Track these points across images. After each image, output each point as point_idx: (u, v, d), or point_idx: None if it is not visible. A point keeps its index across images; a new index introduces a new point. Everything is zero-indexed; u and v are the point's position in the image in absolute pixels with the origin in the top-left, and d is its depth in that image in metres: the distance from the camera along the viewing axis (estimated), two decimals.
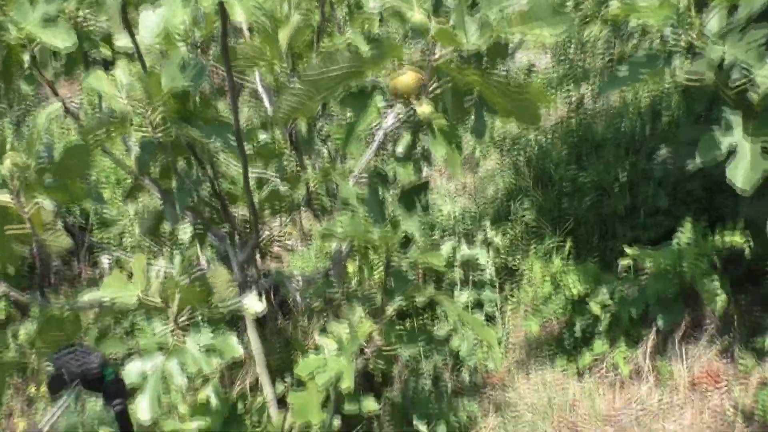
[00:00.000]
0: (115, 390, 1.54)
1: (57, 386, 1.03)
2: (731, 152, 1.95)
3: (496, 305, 3.33)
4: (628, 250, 2.57)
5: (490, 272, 3.28)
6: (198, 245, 2.60)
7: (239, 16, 1.39)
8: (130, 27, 1.99)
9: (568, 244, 3.53)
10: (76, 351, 1.05)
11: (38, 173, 1.68)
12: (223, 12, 1.56)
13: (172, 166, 2.17)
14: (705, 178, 3.43)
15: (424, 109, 1.61)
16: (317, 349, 1.97)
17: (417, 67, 1.69)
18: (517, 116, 1.78)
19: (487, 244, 3.45)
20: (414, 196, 1.85)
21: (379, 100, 1.74)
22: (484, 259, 3.23)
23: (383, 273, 1.91)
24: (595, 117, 5.02)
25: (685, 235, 2.57)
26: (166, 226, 3.00)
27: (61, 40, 1.84)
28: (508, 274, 3.71)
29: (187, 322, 1.76)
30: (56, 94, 2.01)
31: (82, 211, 5.76)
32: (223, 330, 1.77)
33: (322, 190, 2.57)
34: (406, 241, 1.94)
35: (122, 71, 1.91)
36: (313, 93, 1.63)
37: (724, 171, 2.67)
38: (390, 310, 1.91)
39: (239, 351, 1.74)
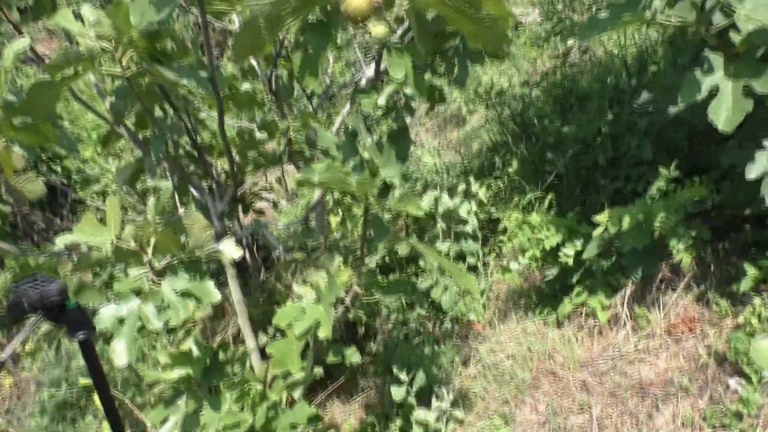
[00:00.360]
0: (77, 319, 1.51)
1: (15, 315, 1.01)
2: (713, 94, 1.93)
3: (479, 257, 3.34)
4: (599, 218, 2.57)
5: (472, 224, 3.27)
6: (176, 196, 2.57)
7: None
8: None
9: (550, 197, 3.53)
10: (36, 280, 1.03)
11: (6, 113, 1.64)
12: None
13: (147, 114, 2.13)
14: (689, 126, 3.42)
15: (377, 30, 1.56)
16: (298, 298, 1.96)
17: None
18: (484, 39, 1.71)
19: (471, 196, 3.44)
20: (394, 142, 1.82)
21: (334, 30, 1.71)
22: (466, 210, 3.22)
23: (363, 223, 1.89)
24: (582, 70, 4.99)
25: (655, 187, 2.57)
26: (148, 181, 2.97)
27: None
28: (491, 228, 3.72)
29: (163, 267, 1.75)
30: (20, 32, 1.95)
31: (64, 169, 5.69)
32: (201, 275, 1.76)
33: (302, 140, 2.53)
34: (386, 189, 1.92)
35: (89, 8, 1.85)
36: (266, 25, 1.58)
37: (706, 119, 2.67)
38: (370, 259, 1.89)
39: (216, 295, 1.73)
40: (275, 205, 4.26)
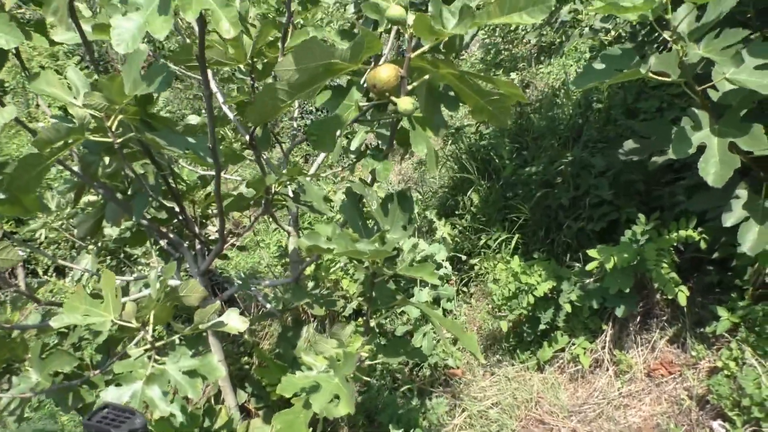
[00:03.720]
0: None
1: None
2: (700, 148, 2.00)
3: (452, 300, 3.34)
4: (593, 253, 2.63)
5: (445, 267, 3.28)
6: (153, 251, 2.46)
7: (225, 30, 1.29)
8: (78, 24, 1.83)
9: (516, 237, 3.59)
10: (111, 411, 0.92)
11: None
12: (201, 23, 1.45)
13: (127, 170, 2.03)
14: (643, 169, 3.56)
15: (405, 105, 1.56)
16: (307, 368, 1.86)
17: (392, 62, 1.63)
18: (488, 114, 1.74)
19: (440, 238, 3.46)
20: (398, 203, 1.80)
21: (357, 96, 1.69)
22: (443, 255, 3.23)
23: (364, 284, 1.85)
24: (530, 106, 5.12)
25: (639, 229, 2.65)
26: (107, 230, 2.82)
27: (5, 37, 1.66)
28: (458, 268, 3.74)
29: (162, 342, 1.66)
30: None
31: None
32: (202, 349, 1.67)
33: (284, 191, 2.47)
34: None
35: (75, 74, 1.76)
36: (287, 92, 1.55)
37: (661, 163, 2.78)
38: (373, 322, 1.85)
39: (222, 372, 1.65)
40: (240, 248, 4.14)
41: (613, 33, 5.05)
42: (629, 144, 2.54)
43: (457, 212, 4.13)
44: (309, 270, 3.27)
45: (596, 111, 4.53)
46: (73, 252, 5.28)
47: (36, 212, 1.78)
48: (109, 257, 4.57)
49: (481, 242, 3.68)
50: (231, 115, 2.70)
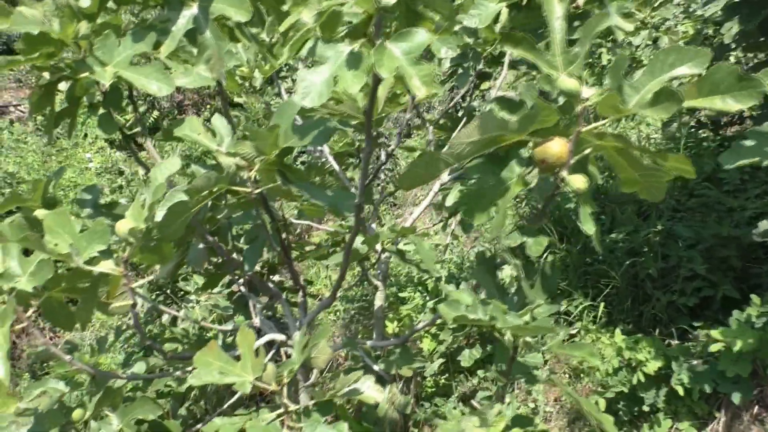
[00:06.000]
0: None
1: None
2: None
3: (539, 369, 3.19)
4: (716, 335, 2.49)
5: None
6: (252, 307, 2.41)
7: (416, 87, 1.24)
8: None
9: (601, 306, 3.46)
10: None
11: (144, 236, 1.48)
12: (376, 81, 1.41)
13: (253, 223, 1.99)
14: (737, 244, 3.43)
15: (578, 184, 1.46)
16: None
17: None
18: (640, 187, 1.64)
19: None
20: (541, 274, 1.71)
21: (517, 170, 1.61)
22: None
23: (498, 357, 1.75)
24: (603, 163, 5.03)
25: (754, 312, 2.51)
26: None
27: (158, 84, 1.65)
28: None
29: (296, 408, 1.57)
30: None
31: None
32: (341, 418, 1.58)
33: (392, 249, 2.42)
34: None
35: (220, 121, 1.73)
36: (448, 162, 1.49)
37: (758, 239, 2.65)
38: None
39: None
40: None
41: None
42: (764, 224, 2.42)
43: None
44: (390, 328, 3.17)
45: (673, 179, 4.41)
46: None
47: (170, 260, 1.74)
48: (157, 292, 4.55)
49: (562, 308, 3.56)
50: (337, 167, 2.68)
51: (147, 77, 1.65)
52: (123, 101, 1.89)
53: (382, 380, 2.33)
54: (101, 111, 1.77)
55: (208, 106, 7.66)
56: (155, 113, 8.16)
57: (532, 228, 1.64)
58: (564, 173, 1.46)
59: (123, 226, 1.36)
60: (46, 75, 1.58)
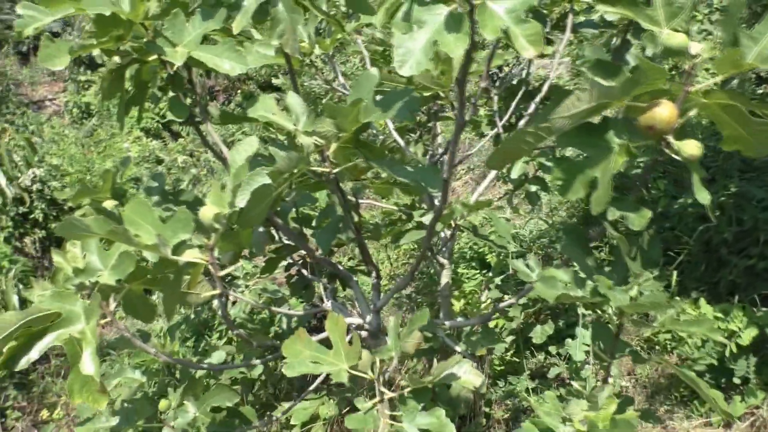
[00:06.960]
0: None
1: None
2: None
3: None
4: None
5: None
6: (323, 289, 2.34)
7: (523, 47, 1.13)
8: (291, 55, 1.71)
9: (674, 275, 3.31)
10: None
11: (228, 221, 1.41)
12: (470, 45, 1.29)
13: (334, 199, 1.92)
14: None
15: (692, 150, 1.33)
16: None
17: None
18: (744, 144, 1.47)
19: None
20: (646, 246, 1.60)
21: (617, 140, 1.47)
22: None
23: (598, 337, 1.65)
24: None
25: None
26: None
27: (231, 63, 1.57)
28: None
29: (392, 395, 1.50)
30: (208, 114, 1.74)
31: None
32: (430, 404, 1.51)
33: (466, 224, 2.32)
34: None
35: (295, 99, 1.64)
36: (541, 137, 1.37)
37: None
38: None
39: (453, 429, 1.48)
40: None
41: None
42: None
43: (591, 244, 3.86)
44: (457, 306, 3.09)
45: None
46: None
47: (246, 247, 1.68)
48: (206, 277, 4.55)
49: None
50: (402, 142, 2.58)
51: (219, 56, 1.58)
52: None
53: None
54: (170, 94, 1.71)
55: (239, 91, 7.62)
56: (187, 100, 8.11)
57: (629, 200, 1.52)
58: (670, 139, 1.33)
59: (207, 213, 1.30)
60: (116, 59, 1.52)
